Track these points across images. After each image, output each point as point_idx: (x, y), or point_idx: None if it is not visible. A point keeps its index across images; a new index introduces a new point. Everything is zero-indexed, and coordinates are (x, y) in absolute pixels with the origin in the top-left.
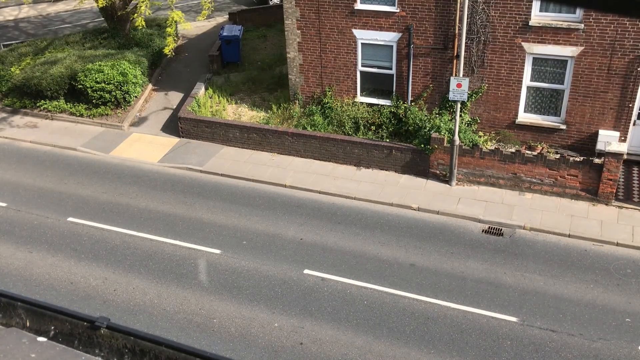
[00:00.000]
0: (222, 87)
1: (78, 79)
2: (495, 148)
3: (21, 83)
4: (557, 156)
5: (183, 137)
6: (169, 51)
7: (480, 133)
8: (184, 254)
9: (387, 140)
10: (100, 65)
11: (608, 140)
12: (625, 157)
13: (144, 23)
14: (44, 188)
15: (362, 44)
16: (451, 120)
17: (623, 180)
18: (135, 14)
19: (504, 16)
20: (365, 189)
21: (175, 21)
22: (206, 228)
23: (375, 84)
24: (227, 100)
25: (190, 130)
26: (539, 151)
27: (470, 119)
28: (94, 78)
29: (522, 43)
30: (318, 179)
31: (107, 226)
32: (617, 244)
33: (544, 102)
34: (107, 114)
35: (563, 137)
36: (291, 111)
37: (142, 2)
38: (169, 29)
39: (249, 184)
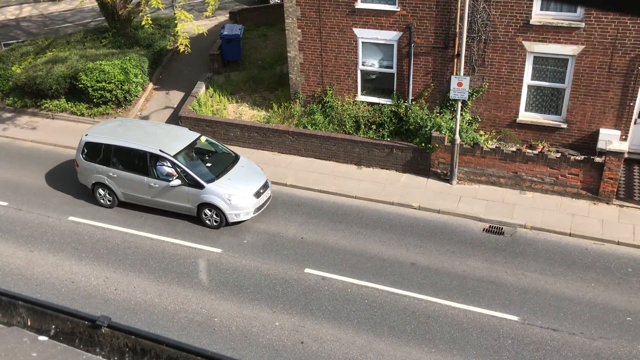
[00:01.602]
0: (223, 86)
1: (79, 78)
2: (496, 147)
3: (23, 82)
4: (558, 155)
5: None
6: (184, 47)
7: (481, 132)
8: (184, 253)
9: (388, 139)
10: (101, 65)
11: (609, 139)
12: (626, 155)
13: (150, 21)
14: (44, 187)
15: (362, 42)
16: (452, 119)
17: (624, 179)
18: (140, 13)
19: (504, 15)
20: (366, 188)
21: (182, 19)
22: (206, 227)
23: (376, 83)
24: (228, 99)
25: (191, 129)
26: (539, 150)
27: (471, 118)
28: (95, 77)
29: (523, 42)
30: (319, 178)
31: (108, 225)
32: (618, 243)
33: (544, 100)
34: (108, 113)
35: (564, 136)
36: (292, 110)
37: (144, 1)
38: (177, 28)
39: None
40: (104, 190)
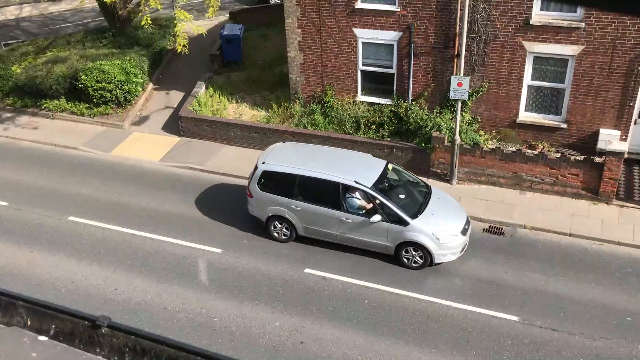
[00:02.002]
0: (223, 86)
1: (79, 78)
2: (496, 147)
3: (23, 82)
4: (558, 155)
5: (184, 136)
6: (181, 48)
7: (481, 132)
8: (184, 253)
9: (388, 140)
10: (101, 65)
11: (609, 139)
12: (626, 156)
13: (150, 21)
14: (45, 187)
15: (362, 43)
16: (452, 119)
17: (624, 179)
18: (139, 13)
19: (504, 15)
20: None
21: (181, 19)
22: (207, 227)
23: (376, 83)
24: (228, 99)
25: (191, 129)
26: (539, 150)
27: (471, 118)
28: (95, 77)
29: (523, 42)
30: None
31: (108, 225)
32: (618, 243)
33: (544, 101)
34: (108, 113)
35: (564, 136)
36: (292, 110)
37: (144, 1)
38: (176, 28)
39: None
40: (282, 223)
